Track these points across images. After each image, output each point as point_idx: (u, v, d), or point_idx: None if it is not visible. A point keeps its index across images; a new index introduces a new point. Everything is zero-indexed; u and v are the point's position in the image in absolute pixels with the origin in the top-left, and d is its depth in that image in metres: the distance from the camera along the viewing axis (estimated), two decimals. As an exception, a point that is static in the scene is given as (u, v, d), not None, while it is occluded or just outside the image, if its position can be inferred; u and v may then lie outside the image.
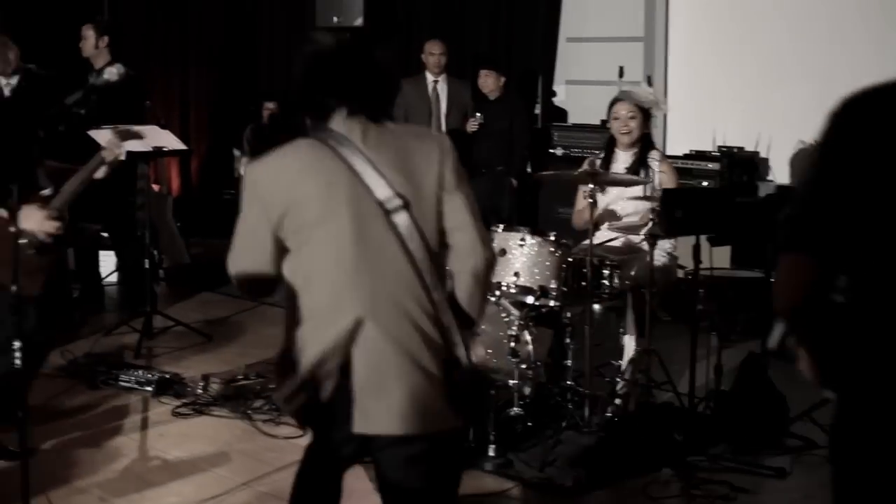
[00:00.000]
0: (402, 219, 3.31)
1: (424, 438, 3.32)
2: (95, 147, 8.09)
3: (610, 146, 6.93)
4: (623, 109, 6.83)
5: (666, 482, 5.56)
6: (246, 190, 3.40)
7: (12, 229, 4.35)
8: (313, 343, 3.31)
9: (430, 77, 10.29)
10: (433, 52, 10.23)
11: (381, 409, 3.27)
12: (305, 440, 5.99)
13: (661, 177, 6.66)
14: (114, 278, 9.68)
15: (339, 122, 3.40)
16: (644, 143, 6.86)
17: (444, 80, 10.32)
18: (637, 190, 6.69)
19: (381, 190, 3.31)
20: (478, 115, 9.96)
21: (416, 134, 3.58)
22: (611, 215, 6.81)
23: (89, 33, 9.12)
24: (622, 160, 6.89)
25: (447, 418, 3.35)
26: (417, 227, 3.33)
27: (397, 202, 3.31)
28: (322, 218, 3.30)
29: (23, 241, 5.12)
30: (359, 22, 11.20)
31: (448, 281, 3.45)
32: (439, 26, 11.41)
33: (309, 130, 3.46)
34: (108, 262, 9.63)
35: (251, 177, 3.41)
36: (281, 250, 3.38)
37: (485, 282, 3.51)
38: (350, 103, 3.41)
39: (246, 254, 3.43)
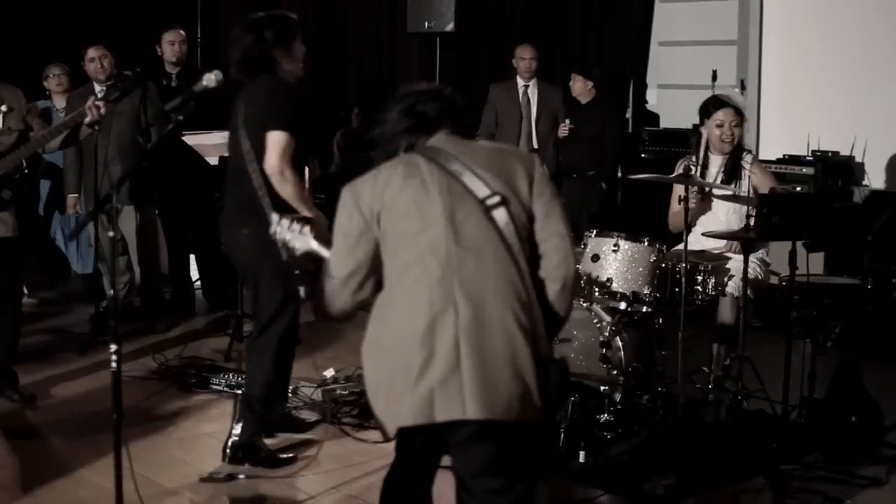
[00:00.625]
0: (500, 214, 3.56)
1: (509, 427, 3.46)
2: (190, 153, 8.21)
3: (703, 149, 6.82)
4: (729, 117, 6.72)
5: (758, 490, 5.49)
6: (346, 203, 3.66)
7: (111, 234, 4.40)
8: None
9: (520, 82, 10.26)
10: (524, 57, 10.19)
11: (473, 394, 3.40)
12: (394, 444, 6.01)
13: (754, 178, 6.57)
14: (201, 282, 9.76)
15: (438, 140, 3.74)
16: (735, 148, 6.79)
17: (534, 84, 10.28)
18: (725, 191, 6.64)
19: (481, 189, 3.58)
20: (567, 120, 9.90)
21: (507, 147, 4.00)
22: (704, 221, 6.75)
23: (180, 37, 9.21)
24: (715, 163, 6.81)
25: (535, 410, 3.48)
26: (515, 223, 3.57)
27: (496, 199, 3.57)
28: (423, 220, 3.56)
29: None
30: (450, 27, 11.18)
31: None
32: (530, 30, 11.37)
33: (401, 150, 3.79)
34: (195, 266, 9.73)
35: (353, 191, 3.67)
36: (377, 259, 3.64)
37: (572, 291, 3.72)
38: (448, 126, 3.78)
39: (345, 261, 3.66)
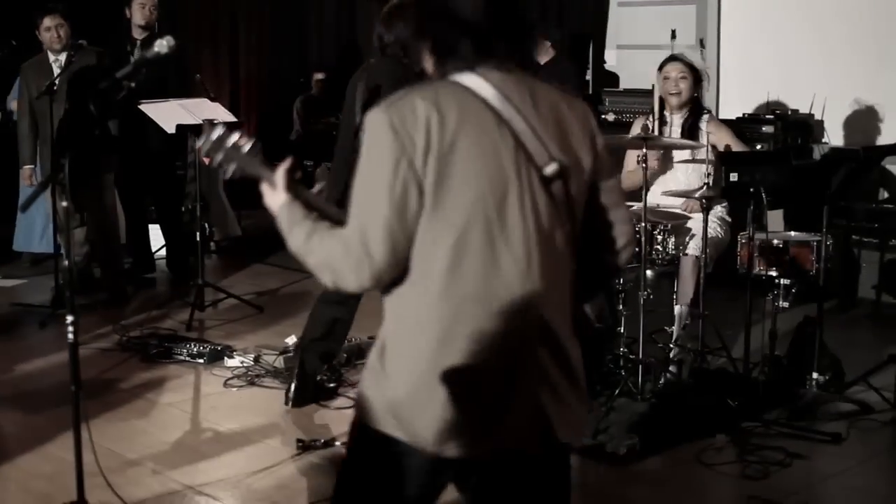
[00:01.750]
0: (558, 188, 2.84)
1: None
2: (146, 120, 8.15)
3: (661, 109, 6.86)
4: (674, 70, 6.80)
5: (720, 448, 5.52)
6: (379, 139, 2.73)
7: (64, 203, 4.34)
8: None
9: None
10: None
11: None
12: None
13: (712, 137, 6.57)
14: (163, 252, 9.70)
15: (489, 73, 2.85)
16: (695, 107, 6.82)
17: None
18: (686, 155, 6.66)
19: (541, 156, 2.81)
20: None
21: (564, 96, 2.97)
22: (664, 180, 6.78)
23: (151, 1, 9.10)
24: (675, 123, 6.84)
25: None
26: (570, 201, 2.87)
27: (555, 168, 2.81)
28: (477, 177, 2.75)
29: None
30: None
31: None
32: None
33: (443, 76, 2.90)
34: (157, 236, 9.66)
35: (389, 120, 2.73)
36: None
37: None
38: (507, 50, 2.88)
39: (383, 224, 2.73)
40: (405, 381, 2.79)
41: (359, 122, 5.28)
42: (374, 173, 2.73)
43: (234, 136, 3.09)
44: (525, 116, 2.81)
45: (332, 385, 6.33)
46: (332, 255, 2.80)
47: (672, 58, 6.93)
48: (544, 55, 9.94)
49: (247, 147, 3.07)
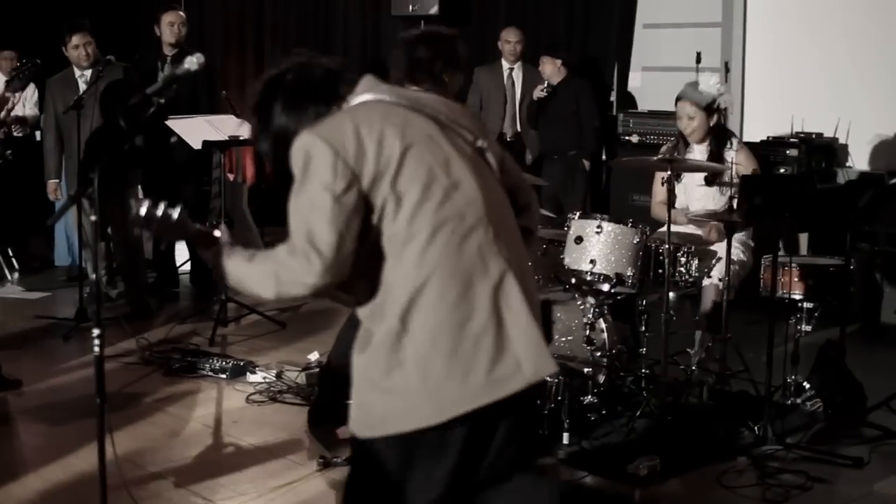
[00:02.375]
0: (490, 157, 3.32)
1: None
2: (172, 135, 8.20)
3: (684, 138, 6.88)
4: (684, 110, 6.76)
5: (741, 471, 5.50)
6: (317, 160, 3.07)
7: (93, 218, 4.37)
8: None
9: (505, 64, 10.28)
10: (509, 40, 10.21)
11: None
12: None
13: (738, 168, 6.55)
14: (188, 267, 9.74)
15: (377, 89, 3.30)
16: (717, 135, 6.78)
17: (519, 67, 10.31)
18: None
19: (467, 134, 3.28)
20: (546, 82, 9.84)
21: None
22: (687, 206, 6.78)
23: (180, 18, 9.18)
24: (700, 151, 6.83)
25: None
26: (494, 170, 3.33)
27: (482, 142, 3.30)
28: (438, 169, 3.11)
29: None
30: (434, 10, 11.17)
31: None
32: (515, 13, 11.35)
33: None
34: (182, 250, 9.70)
35: (325, 144, 3.08)
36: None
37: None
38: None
39: (330, 228, 3.06)
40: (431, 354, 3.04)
41: None
42: None
43: (161, 208, 3.45)
44: (444, 113, 3.26)
45: None
46: (276, 261, 3.16)
47: (679, 97, 6.85)
48: (556, 76, 9.97)
49: (175, 214, 3.34)
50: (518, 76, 10.30)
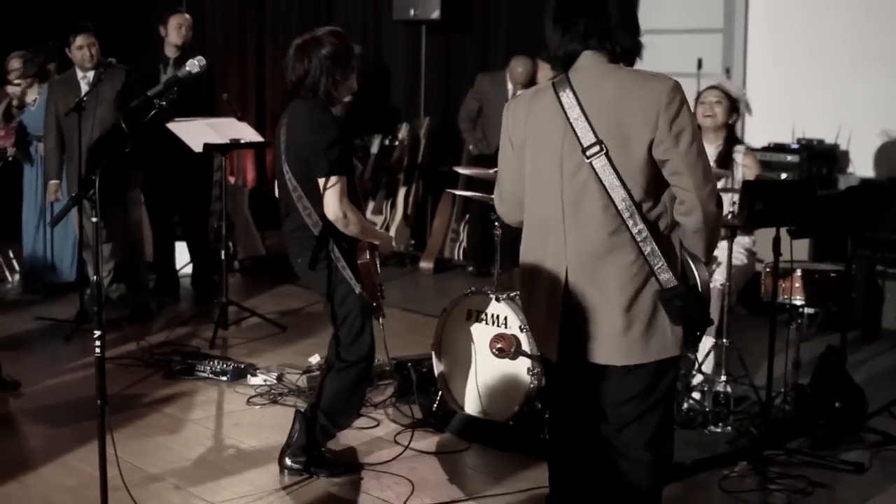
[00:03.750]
0: (599, 162, 3.55)
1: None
2: (172, 139, 8.19)
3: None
4: (710, 95, 6.80)
5: (742, 476, 5.50)
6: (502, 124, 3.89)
7: (94, 220, 4.37)
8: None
9: (510, 85, 10.21)
10: (517, 70, 10.11)
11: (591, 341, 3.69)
12: (379, 431, 6.03)
13: (745, 171, 6.57)
14: (188, 269, 9.74)
15: (579, 66, 3.72)
16: (729, 136, 6.81)
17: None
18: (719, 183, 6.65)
19: (586, 136, 3.57)
20: None
21: (642, 80, 3.67)
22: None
23: (187, 21, 9.20)
24: (708, 152, 6.83)
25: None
26: (616, 171, 3.54)
27: (596, 148, 3.55)
28: (534, 159, 3.73)
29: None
30: (436, 15, 11.16)
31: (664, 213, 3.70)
32: (516, 18, 11.34)
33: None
34: (182, 252, 9.70)
35: (506, 111, 3.90)
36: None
37: (706, 232, 3.66)
38: (594, 42, 3.70)
39: (505, 173, 3.92)
40: None
41: (291, 180, 5.30)
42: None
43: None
44: (580, 103, 3.60)
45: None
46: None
47: (711, 86, 6.94)
48: (543, 77, 10.01)
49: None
50: (523, 95, 10.26)
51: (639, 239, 3.55)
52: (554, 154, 3.66)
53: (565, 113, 3.61)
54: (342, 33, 5.47)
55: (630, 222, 3.54)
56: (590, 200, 3.59)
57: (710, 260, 3.79)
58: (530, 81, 10.13)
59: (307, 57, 5.30)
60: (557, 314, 3.68)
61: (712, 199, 3.62)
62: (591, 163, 3.56)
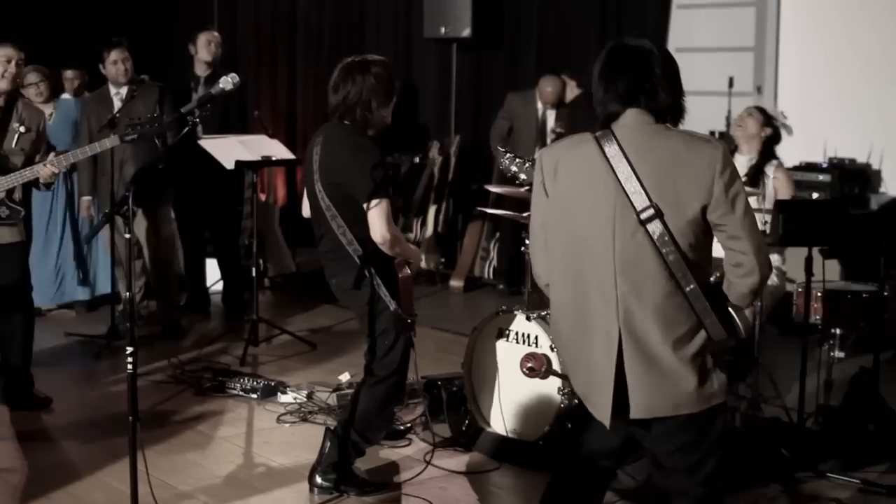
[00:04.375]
0: (655, 227, 3.55)
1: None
2: (203, 155, 8.23)
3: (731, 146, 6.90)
4: (751, 117, 6.82)
5: (773, 498, 5.47)
6: (536, 164, 3.83)
7: (127, 236, 4.40)
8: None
9: (539, 105, 10.23)
10: (547, 90, 10.14)
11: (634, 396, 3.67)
12: (407, 450, 6.02)
13: (776, 183, 6.55)
14: (219, 286, 9.76)
15: (624, 124, 3.67)
16: (764, 152, 6.80)
17: (552, 110, 10.27)
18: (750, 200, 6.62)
19: (640, 200, 3.56)
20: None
21: (689, 142, 3.65)
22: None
23: (216, 38, 9.25)
24: (740, 163, 6.82)
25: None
26: (671, 234, 3.55)
27: (651, 212, 3.55)
28: (579, 217, 3.68)
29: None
30: (466, 32, 11.19)
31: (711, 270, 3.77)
32: (546, 37, 11.35)
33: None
34: (213, 269, 9.73)
35: (541, 154, 3.83)
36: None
37: (758, 292, 3.75)
38: (638, 101, 3.66)
39: (538, 227, 3.87)
40: None
41: (325, 200, 5.30)
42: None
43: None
44: (631, 163, 3.57)
45: (400, 427, 6.36)
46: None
47: (751, 108, 6.99)
48: (570, 94, 10.05)
49: None
50: (551, 116, 10.27)
51: (691, 298, 3.56)
52: (604, 216, 3.62)
53: (614, 172, 3.59)
54: (389, 64, 5.47)
55: (683, 282, 3.55)
56: (644, 264, 3.58)
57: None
58: (559, 100, 10.15)
59: (353, 79, 5.29)
60: (611, 378, 3.66)
61: (767, 263, 3.68)
62: (646, 227, 3.56)
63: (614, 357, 3.63)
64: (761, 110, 6.86)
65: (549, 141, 10.27)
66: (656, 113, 3.66)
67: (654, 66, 3.65)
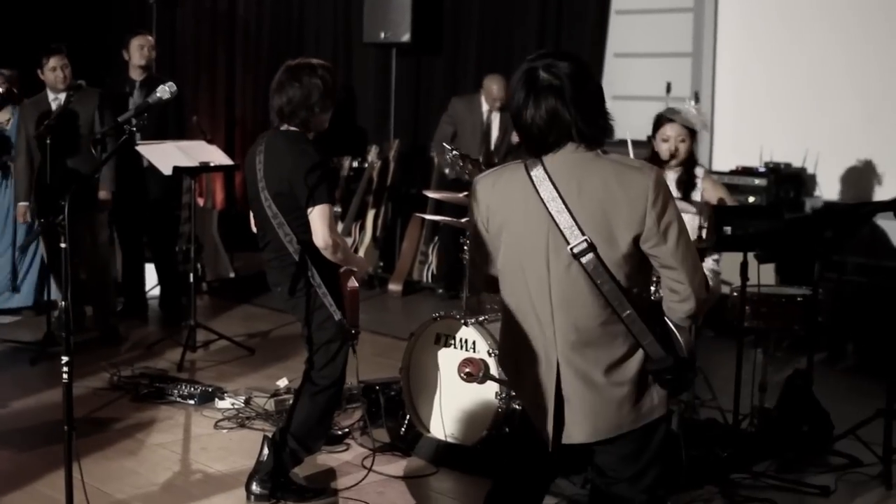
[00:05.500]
0: (589, 260, 3.51)
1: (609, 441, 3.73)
2: (141, 160, 8.18)
3: (654, 163, 6.85)
4: (673, 132, 6.68)
5: (708, 500, 5.51)
6: (471, 196, 3.79)
7: (63, 245, 4.37)
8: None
9: (485, 106, 10.26)
10: (492, 90, 10.16)
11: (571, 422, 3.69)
12: (346, 455, 6.01)
13: (705, 194, 6.57)
14: (156, 291, 9.70)
15: (558, 159, 3.59)
16: (688, 161, 6.80)
17: (497, 112, 10.30)
18: (682, 206, 6.66)
19: (573, 234, 3.52)
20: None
21: (620, 172, 3.56)
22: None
23: (149, 42, 9.22)
24: (669, 178, 6.83)
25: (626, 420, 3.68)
26: (605, 266, 3.52)
27: (584, 246, 3.51)
28: (515, 247, 3.65)
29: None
30: (406, 38, 11.19)
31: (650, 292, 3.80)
32: (486, 42, 11.39)
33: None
34: (151, 275, 9.68)
35: (475, 185, 3.78)
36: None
37: (697, 315, 3.72)
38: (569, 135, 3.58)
39: (477, 252, 3.85)
40: None
41: (271, 207, 5.29)
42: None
43: None
44: (562, 198, 3.53)
45: (338, 432, 6.35)
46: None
47: (669, 119, 6.79)
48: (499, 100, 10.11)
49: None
50: (496, 120, 10.31)
51: (628, 322, 3.55)
52: (538, 248, 3.59)
53: (545, 205, 3.55)
54: (333, 69, 5.47)
55: (620, 309, 3.54)
56: (579, 298, 3.56)
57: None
58: (502, 105, 10.18)
59: (298, 80, 5.28)
60: (552, 404, 3.66)
61: (703, 285, 3.65)
62: (580, 261, 3.53)
63: (553, 383, 3.64)
64: (689, 131, 6.73)
65: (492, 149, 10.31)
66: (584, 139, 3.58)
67: (569, 102, 3.55)
